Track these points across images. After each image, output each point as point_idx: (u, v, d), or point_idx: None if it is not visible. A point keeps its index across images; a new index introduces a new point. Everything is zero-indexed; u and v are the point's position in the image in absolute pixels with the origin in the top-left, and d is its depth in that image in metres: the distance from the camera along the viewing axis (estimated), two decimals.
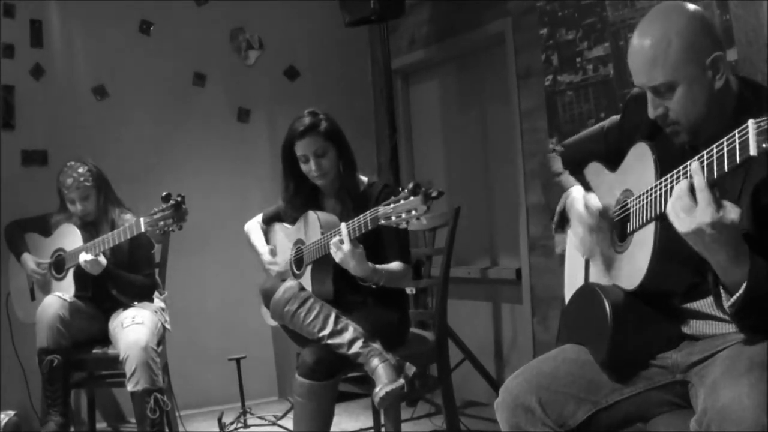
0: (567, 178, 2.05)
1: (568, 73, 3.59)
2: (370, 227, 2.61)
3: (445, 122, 4.77)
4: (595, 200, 1.90)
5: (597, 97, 3.44)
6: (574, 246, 2.05)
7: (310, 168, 2.93)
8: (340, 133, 2.96)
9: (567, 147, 2.16)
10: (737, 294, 1.52)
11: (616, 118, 2.03)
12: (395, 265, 2.86)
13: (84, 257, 3.23)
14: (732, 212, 1.45)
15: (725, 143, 1.42)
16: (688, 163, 1.52)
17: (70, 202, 3.40)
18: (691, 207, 1.47)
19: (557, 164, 2.11)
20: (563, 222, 2.02)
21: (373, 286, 2.81)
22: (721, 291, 1.58)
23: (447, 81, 4.74)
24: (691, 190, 1.48)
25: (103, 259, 3.27)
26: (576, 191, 1.98)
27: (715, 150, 1.45)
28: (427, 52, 4.63)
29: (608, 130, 2.03)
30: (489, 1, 4.09)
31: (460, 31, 4.35)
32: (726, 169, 1.42)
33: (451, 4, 4.40)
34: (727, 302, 1.55)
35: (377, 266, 2.77)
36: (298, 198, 3.04)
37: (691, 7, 1.68)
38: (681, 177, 1.55)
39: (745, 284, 1.50)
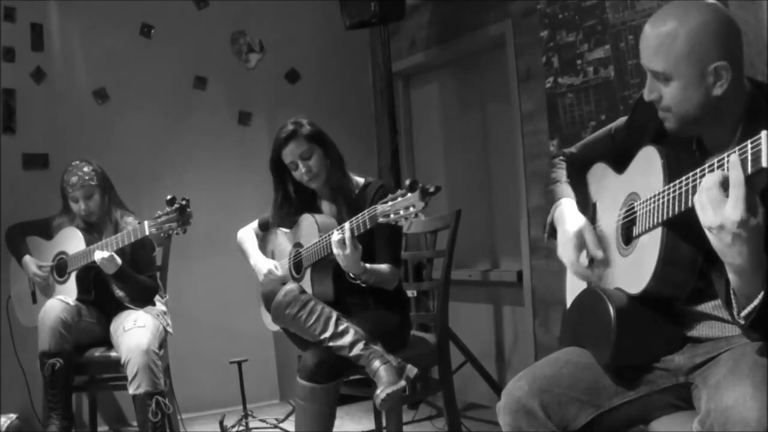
0: (560, 187, 2.05)
1: (568, 75, 3.59)
2: (369, 226, 2.62)
3: (445, 125, 4.77)
4: (574, 224, 1.92)
5: (598, 99, 3.45)
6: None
7: (301, 173, 2.95)
8: (322, 134, 3.00)
9: (579, 149, 2.15)
10: (753, 304, 1.47)
11: (624, 119, 2.02)
12: (384, 267, 2.87)
13: (100, 254, 3.23)
14: (759, 214, 1.39)
15: (737, 152, 1.39)
16: (704, 166, 1.49)
17: (74, 201, 3.39)
18: (720, 200, 1.41)
19: (557, 171, 2.11)
20: (554, 231, 2.03)
21: (363, 285, 2.82)
22: (733, 300, 1.54)
23: (447, 83, 4.74)
24: (722, 183, 1.41)
25: (118, 258, 3.27)
26: (565, 203, 1.99)
27: (726, 158, 1.42)
28: (428, 55, 4.63)
29: (616, 131, 2.03)
30: (489, 3, 4.09)
31: (461, 34, 4.35)
32: None
33: (451, 7, 4.40)
34: (741, 312, 1.51)
35: (368, 266, 2.79)
36: (291, 207, 3.06)
37: (714, 9, 1.65)
38: (690, 183, 1.53)
39: (762, 294, 1.45)
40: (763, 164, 1.33)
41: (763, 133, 1.33)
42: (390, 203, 2.51)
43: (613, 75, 3.37)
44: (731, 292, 1.53)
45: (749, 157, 1.36)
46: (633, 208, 1.80)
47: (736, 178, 1.38)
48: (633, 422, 1.81)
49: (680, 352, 1.77)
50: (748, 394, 1.47)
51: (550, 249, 3.77)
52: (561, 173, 2.10)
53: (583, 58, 3.50)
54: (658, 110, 1.73)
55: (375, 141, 5.08)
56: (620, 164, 1.91)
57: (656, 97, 1.71)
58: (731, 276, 1.49)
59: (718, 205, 1.41)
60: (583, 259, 1.91)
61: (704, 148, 1.74)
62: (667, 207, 1.62)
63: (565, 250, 1.92)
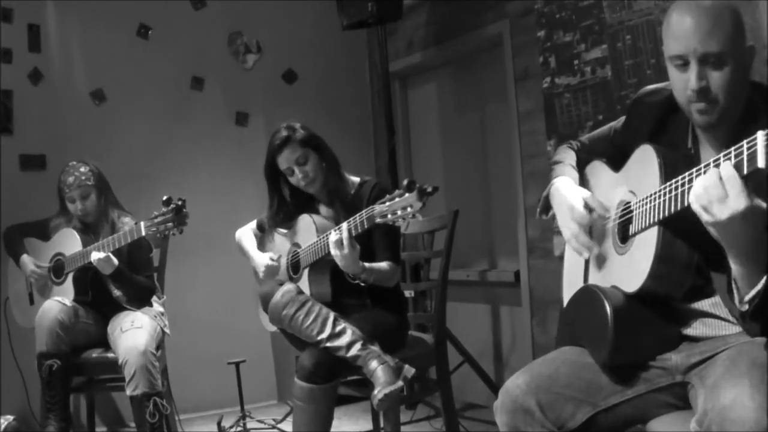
0: (560, 167, 2.05)
1: (565, 75, 3.59)
2: (366, 226, 2.61)
3: (443, 125, 4.77)
4: (578, 198, 1.90)
5: (595, 99, 3.45)
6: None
7: (297, 178, 2.95)
8: (316, 137, 2.99)
9: (587, 143, 2.15)
10: (757, 288, 1.49)
11: (623, 119, 2.02)
12: (384, 265, 2.87)
13: (97, 255, 3.22)
14: (762, 201, 1.42)
15: (733, 152, 1.39)
16: (700, 166, 1.49)
17: (70, 201, 3.39)
18: (724, 196, 1.42)
19: (560, 153, 2.12)
20: (547, 208, 2.03)
21: (362, 284, 2.82)
22: (734, 288, 1.55)
23: (445, 83, 4.75)
24: (721, 180, 1.43)
25: (114, 259, 3.27)
26: (560, 181, 1.99)
27: (722, 158, 1.42)
28: (425, 55, 4.64)
29: (615, 132, 2.04)
30: (487, 3, 4.10)
31: (458, 34, 4.35)
32: None
33: (448, 7, 4.40)
34: (744, 298, 1.52)
35: (367, 265, 2.78)
36: (287, 212, 3.06)
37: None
38: (687, 183, 1.53)
39: (766, 277, 1.47)
40: (759, 165, 1.33)
41: (760, 133, 1.33)
42: (387, 203, 2.50)
43: (610, 75, 3.37)
44: (733, 281, 1.54)
45: (745, 158, 1.37)
46: (629, 206, 1.80)
47: (728, 171, 1.40)
48: (630, 421, 1.81)
49: (677, 351, 1.77)
50: (745, 394, 1.47)
51: (548, 249, 3.76)
52: (566, 155, 2.10)
53: (581, 58, 3.50)
54: (695, 102, 1.65)
55: (372, 141, 5.09)
56: (617, 162, 1.91)
57: (706, 85, 1.63)
58: (735, 267, 1.51)
59: (722, 201, 1.43)
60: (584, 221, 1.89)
61: (700, 148, 1.74)
62: (664, 206, 1.62)
63: (568, 215, 1.90)
